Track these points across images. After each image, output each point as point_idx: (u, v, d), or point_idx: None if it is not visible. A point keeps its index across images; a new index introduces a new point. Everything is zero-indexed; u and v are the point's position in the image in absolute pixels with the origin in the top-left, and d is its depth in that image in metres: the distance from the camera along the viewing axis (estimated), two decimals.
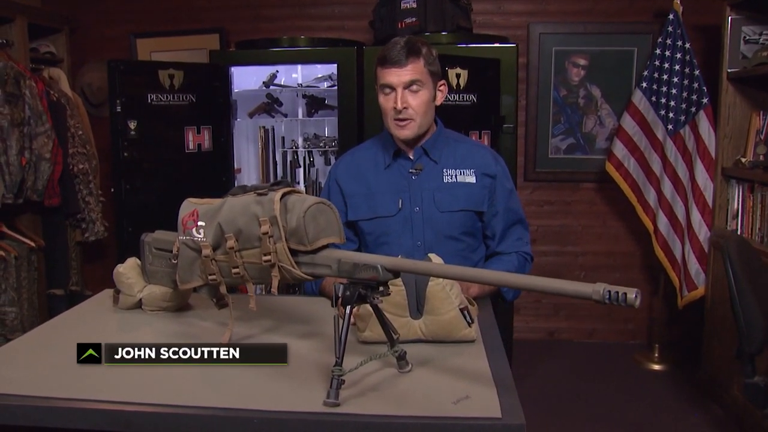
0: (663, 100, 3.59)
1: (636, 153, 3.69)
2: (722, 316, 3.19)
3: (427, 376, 1.27)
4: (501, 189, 1.96)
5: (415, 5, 3.38)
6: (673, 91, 3.55)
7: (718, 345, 3.32)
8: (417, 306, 1.44)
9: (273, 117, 3.77)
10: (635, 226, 3.95)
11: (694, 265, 3.49)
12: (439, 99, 1.95)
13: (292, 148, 3.78)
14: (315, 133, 3.81)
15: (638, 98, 3.65)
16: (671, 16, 3.53)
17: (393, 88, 1.86)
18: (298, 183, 3.83)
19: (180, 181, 3.15)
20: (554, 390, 3.54)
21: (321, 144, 3.73)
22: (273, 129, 3.79)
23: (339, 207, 2.03)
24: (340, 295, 1.19)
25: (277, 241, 1.26)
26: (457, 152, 1.98)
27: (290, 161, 3.79)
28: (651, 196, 3.70)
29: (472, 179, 1.94)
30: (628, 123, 3.68)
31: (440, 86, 1.94)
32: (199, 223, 1.39)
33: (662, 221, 3.65)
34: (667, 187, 3.61)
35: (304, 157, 3.80)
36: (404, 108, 1.85)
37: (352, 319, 1.43)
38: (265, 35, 3.85)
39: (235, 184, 3.62)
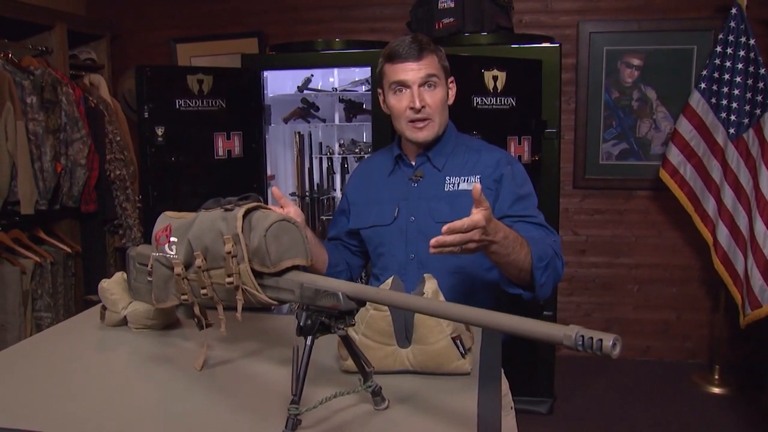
0: (724, 102, 3.32)
1: (693, 159, 3.43)
2: None
3: (403, 416, 1.13)
4: (506, 191, 1.74)
5: (452, 5, 3.23)
6: (735, 91, 3.28)
7: None
8: (405, 333, 1.29)
9: (308, 122, 3.69)
10: (694, 237, 3.67)
11: (758, 281, 3.20)
12: (451, 97, 1.81)
13: (327, 154, 3.68)
14: (352, 139, 3.71)
15: (696, 100, 3.38)
16: (734, 11, 3.26)
17: (407, 86, 1.71)
18: (335, 190, 3.74)
19: (209, 189, 3.09)
20: (602, 411, 3.32)
21: (356, 150, 3.62)
22: (310, 134, 3.71)
23: (345, 216, 1.95)
24: (301, 324, 1.06)
25: (240, 262, 1.14)
26: (467, 159, 1.81)
27: (326, 168, 3.69)
28: (710, 206, 3.43)
29: None
30: (685, 127, 3.42)
31: (450, 83, 1.80)
32: (172, 239, 1.29)
33: (722, 233, 3.37)
34: (728, 196, 3.33)
35: (341, 164, 3.70)
36: (423, 107, 1.70)
37: (337, 349, 1.33)
38: (305, 38, 3.78)
39: (269, 192, 3.56)
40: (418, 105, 1.70)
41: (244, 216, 1.16)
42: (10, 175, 3.08)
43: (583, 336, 0.75)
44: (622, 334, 3.81)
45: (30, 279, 3.25)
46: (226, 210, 1.20)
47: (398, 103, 1.74)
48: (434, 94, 1.72)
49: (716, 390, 3.53)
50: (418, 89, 1.70)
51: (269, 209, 1.19)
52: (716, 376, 3.58)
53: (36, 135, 3.16)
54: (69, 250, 3.50)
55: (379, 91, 1.83)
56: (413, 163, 1.83)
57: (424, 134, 1.75)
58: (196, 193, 3.07)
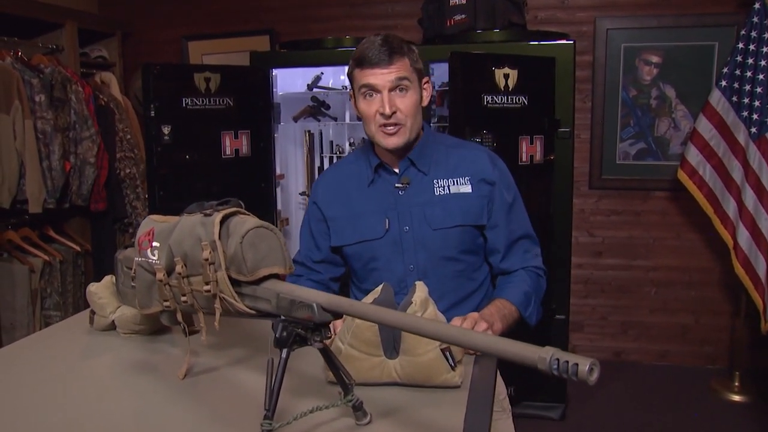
0: (746, 100, 3.21)
1: (713, 159, 3.32)
2: None
3: (385, 431, 1.08)
4: (500, 199, 1.72)
5: (464, 1, 3.16)
6: (758, 89, 3.16)
7: None
8: (393, 343, 1.24)
9: (319, 121, 3.64)
10: (714, 239, 3.56)
11: None
12: (426, 99, 1.72)
13: (337, 153, 3.64)
14: (363, 138, 3.65)
15: (716, 98, 3.27)
16: (757, 5, 3.14)
17: (377, 91, 1.62)
18: None
19: (216, 188, 3.06)
20: (616, 418, 3.23)
21: None
22: (320, 133, 3.67)
23: (323, 233, 1.83)
24: (277, 335, 1.02)
25: (217, 269, 1.10)
26: (449, 158, 1.74)
27: None
28: (730, 208, 3.32)
29: (467, 188, 1.69)
30: (704, 126, 3.31)
31: (425, 84, 1.71)
32: (154, 244, 1.25)
33: (743, 235, 3.26)
34: (749, 198, 3.22)
35: None
36: (393, 112, 1.62)
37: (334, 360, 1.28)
38: (316, 36, 3.73)
39: (277, 192, 3.52)
40: (388, 111, 1.61)
41: (222, 222, 1.12)
42: (18, 173, 3.08)
43: (558, 359, 0.70)
44: (639, 338, 3.72)
45: (39, 277, 3.26)
46: (206, 215, 1.16)
47: (368, 107, 1.65)
48: (405, 99, 1.63)
49: (736, 397, 3.42)
50: (389, 94, 1.62)
51: (248, 215, 1.14)
52: (736, 383, 3.47)
53: (44, 133, 3.15)
54: (78, 248, 3.50)
55: (350, 92, 1.73)
56: (396, 170, 1.75)
57: (395, 140, 1.65)
58: (203, 192, 3.04)
